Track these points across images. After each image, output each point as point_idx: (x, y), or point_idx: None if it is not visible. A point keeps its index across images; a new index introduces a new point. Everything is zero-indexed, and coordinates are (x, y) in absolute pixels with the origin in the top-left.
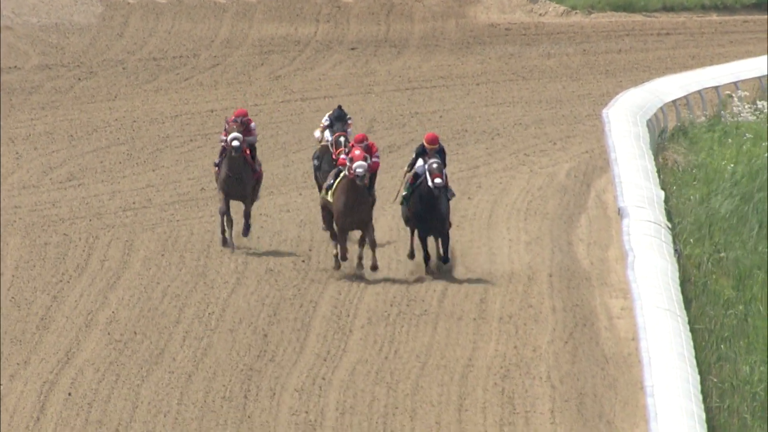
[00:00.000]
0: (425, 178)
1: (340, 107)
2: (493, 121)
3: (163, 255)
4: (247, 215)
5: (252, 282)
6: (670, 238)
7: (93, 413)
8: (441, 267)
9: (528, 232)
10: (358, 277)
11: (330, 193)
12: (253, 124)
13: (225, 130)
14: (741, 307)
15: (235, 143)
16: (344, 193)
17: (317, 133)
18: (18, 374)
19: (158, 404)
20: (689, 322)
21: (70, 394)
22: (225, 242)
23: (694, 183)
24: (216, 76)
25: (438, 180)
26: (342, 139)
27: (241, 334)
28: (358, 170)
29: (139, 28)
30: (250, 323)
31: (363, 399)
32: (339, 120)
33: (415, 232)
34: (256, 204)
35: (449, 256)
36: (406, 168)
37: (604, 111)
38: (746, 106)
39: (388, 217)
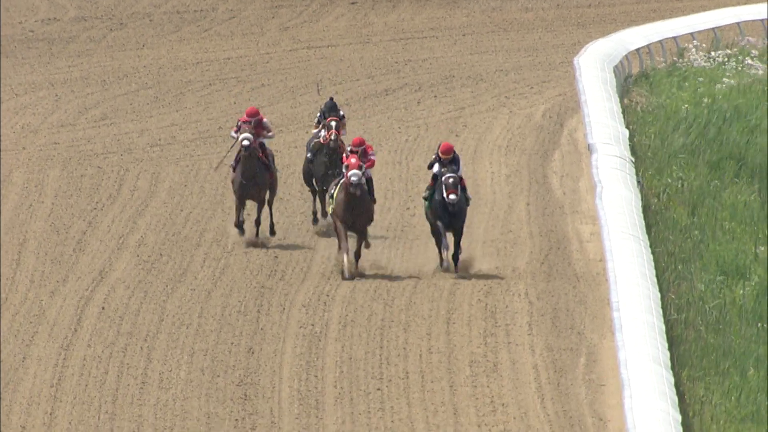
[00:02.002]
0: (441, 184)
1: (331, 99)
2: (478, 67)
3: (185, 186)
4: (268, 214)
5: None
6: (633, 171)
7: (124, 325)
8: (450, 268)
9: (508, 166)
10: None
11: (332, 201)
12: (266, 120)
13: (237, 126)
14: (696, 232)
15: (245, 142)
16: (345, 197)
17: (313, 131)
18: (57, 291)
19: (181, 317)
20: (650, 246)
21: (103, 308)
22: (240, 227)
23: (655, 122)
24: (232, 27)
25: (452, 196)
26: (333, 123)
27: (255, 255)
28: (352, 178)
29: None
30: (262, 246)
31: (362, 313)
32: (331, 111)
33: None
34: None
35: (459, 249)
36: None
37: (576, 59)
38: (701, 55)
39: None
